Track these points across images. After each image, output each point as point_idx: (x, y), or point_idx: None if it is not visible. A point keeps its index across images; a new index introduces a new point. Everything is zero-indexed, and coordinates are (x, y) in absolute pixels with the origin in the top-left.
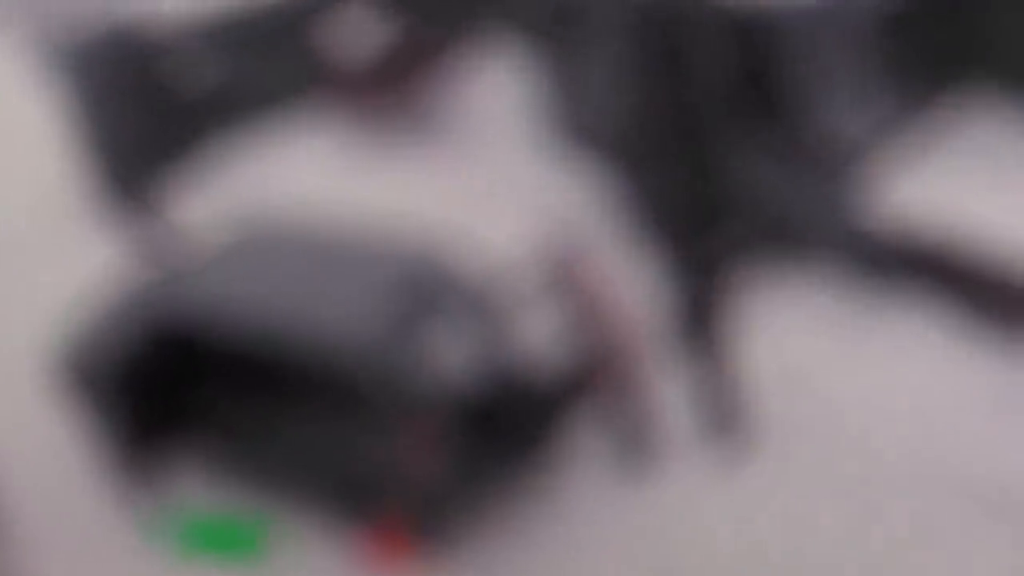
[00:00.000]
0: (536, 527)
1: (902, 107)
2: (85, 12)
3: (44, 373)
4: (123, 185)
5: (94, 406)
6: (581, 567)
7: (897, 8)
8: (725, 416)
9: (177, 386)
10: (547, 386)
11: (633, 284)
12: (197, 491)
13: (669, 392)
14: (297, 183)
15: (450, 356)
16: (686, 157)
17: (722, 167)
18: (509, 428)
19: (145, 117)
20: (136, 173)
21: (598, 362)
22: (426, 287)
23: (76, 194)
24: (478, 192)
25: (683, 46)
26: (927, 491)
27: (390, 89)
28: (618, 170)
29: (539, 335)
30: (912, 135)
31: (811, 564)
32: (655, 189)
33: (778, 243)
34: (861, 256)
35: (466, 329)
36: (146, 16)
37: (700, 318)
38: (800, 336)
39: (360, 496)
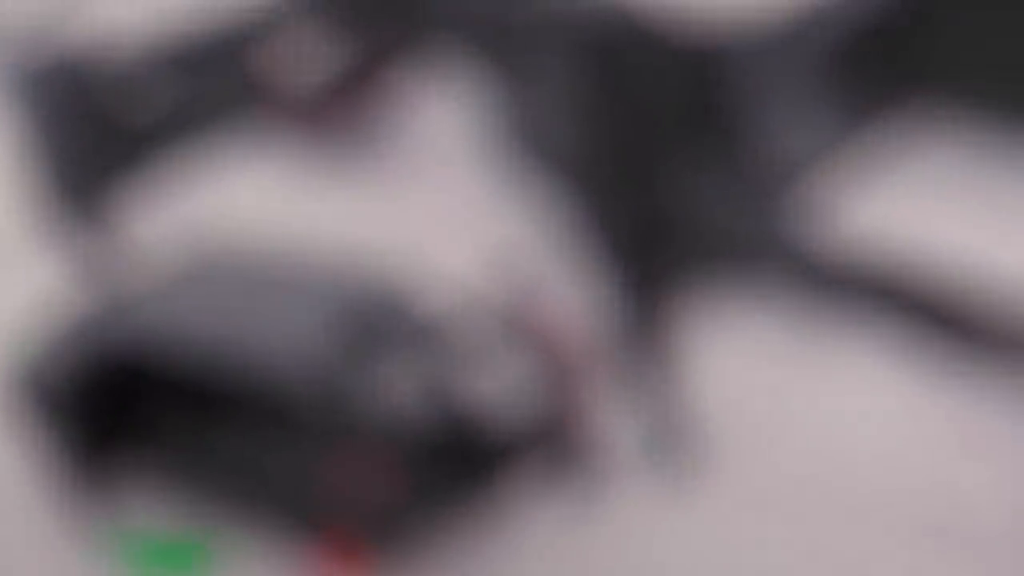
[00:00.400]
0: (486, 552)
1: (847, 129)
2: (36, 37)
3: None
4: (72, 206)
5: (45, 426)
6: None
7: (843, 34)
8: (671, 437)
9: (127, 408)
10: (499, 419)
11: (582, 307)
12: (147, 510)
13: (618, 418)
14: (244, 205)
15: (397, 385)
16: (633, 179)
17: (669, 189)
18: (459, 457)
19: (93, 141)
20: (84, 195)
21: (549, 394)
22: (374, 316)
23: (28, 214)
24: (427, 215)
25: (630, 72)
26: (869, 515)
27: (337, 112)
28: (567, 192)
29: (491, 368)
30: (858, 156)
31: None
32: (603, 210)
33: (724, 263)
34: (806, 276)
35: (415, 359)
36: (94, 43)
37: (646, 337)
38: (745, 358)
39: (303, 516)
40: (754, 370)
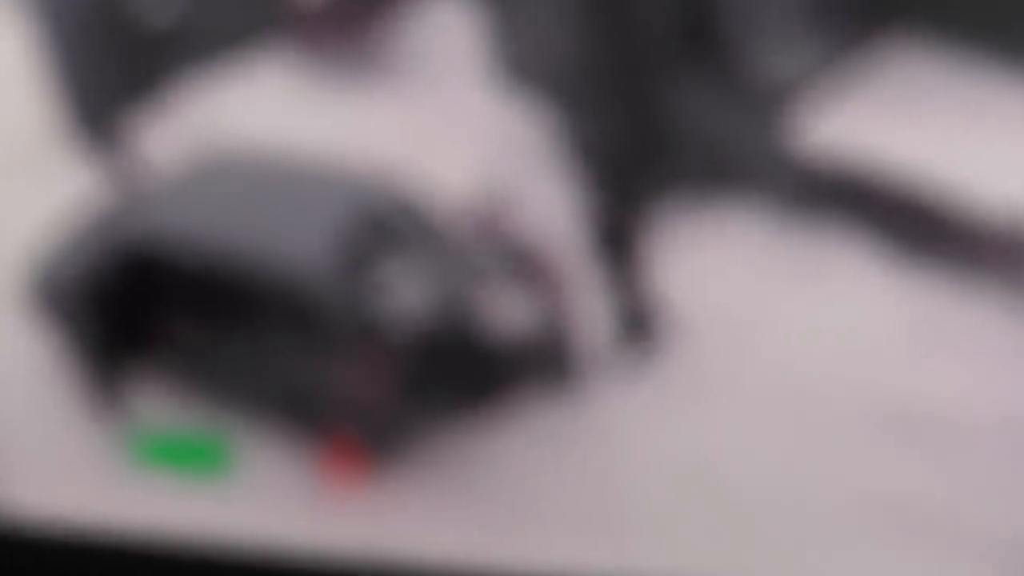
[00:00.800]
0: (481, 449)
1: (831, 49)
2: None
3: (18, 293)
4: (92, 117)
5: (62, 325)
6: (518, 480)
7: None
8: (641, 333)
9: (141, 308)
10: (498, 322)
11: (565, 214)
12: (163, 409)
13: (595, 318)
14: (256, 117)
15: (404, 288)
16: (626, 94)
17: (660, 104)
18: (461, 363)
19: (112, 54)
20: (103, 106)
21: (538, 297)
22: (383, 219)
23: (49, 126)
24: (429, 123)
25: None
26: (838, 408)
27: (345, 29)
28: (561, 105)
29: (489, 272)
30: (841, 75)
31: (723, 473)
32: (597, 123)
33: (713, 175)
34: (791, 187)
35: (420, 262)
36: None
37: (624, 243)
38: (730, 264)
39: (314, 414)
40: (735, 271)
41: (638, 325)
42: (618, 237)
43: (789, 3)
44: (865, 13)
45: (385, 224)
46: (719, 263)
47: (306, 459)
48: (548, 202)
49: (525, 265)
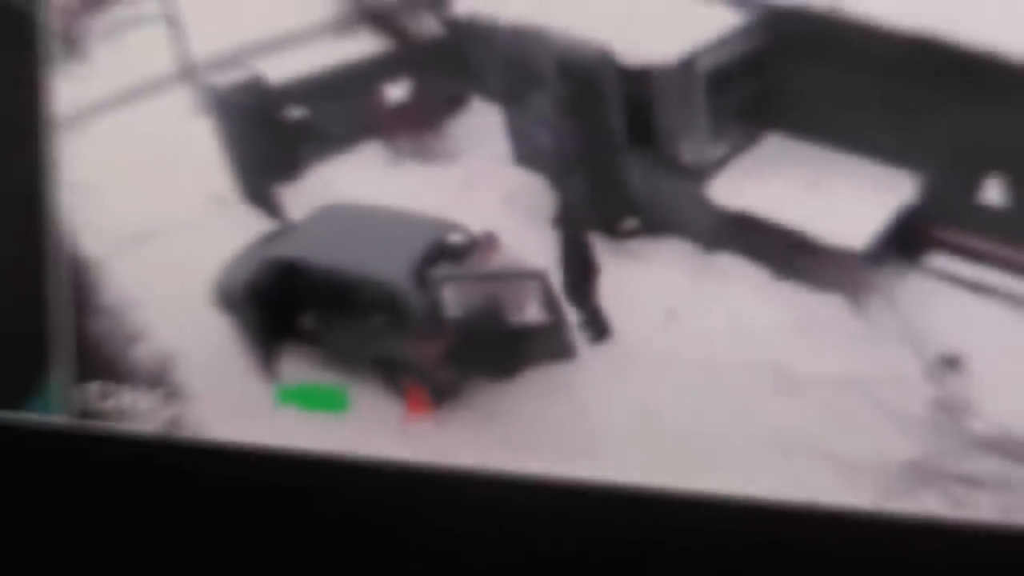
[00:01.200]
0: (502, 396)
1: (731, 143)
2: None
3: (212, 294)
4: (252, 184)
5: (235, 314)
6: (526, 418)
7: (720, 68)
8: (597, 328)
9: (286, 303)
10: (513, 318)
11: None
12: (301, 369)
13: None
14: (358, 181)
15: (450, 290)
16: (597, 170)
17: (622, 177)
18: (490, 342)
19: (264, 140)
20: (259, 177)
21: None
22: (441, 247)
23: (229, 190)
24: (468, 185)
25: (595, 92)
26: (736, 370)
27: (413, 124)
28: (551, 176)
29: (509, 282)
30: (737, 158)
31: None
32: (574, 187)
33: (660, 224)
34: (706, 227)
35: (461, 273)
36: (267, 72)
37: (585, 267)
38: (666, 276)
39: (397, 373)
40: (669, 281)
41: (597, 321)
42: (583, 263)
43: (702, 115)
44: (751, 124)
45: (443, 251)
46: (659, 276)
47: (393, 402)
48: (540, 238)
49: (521, 278)
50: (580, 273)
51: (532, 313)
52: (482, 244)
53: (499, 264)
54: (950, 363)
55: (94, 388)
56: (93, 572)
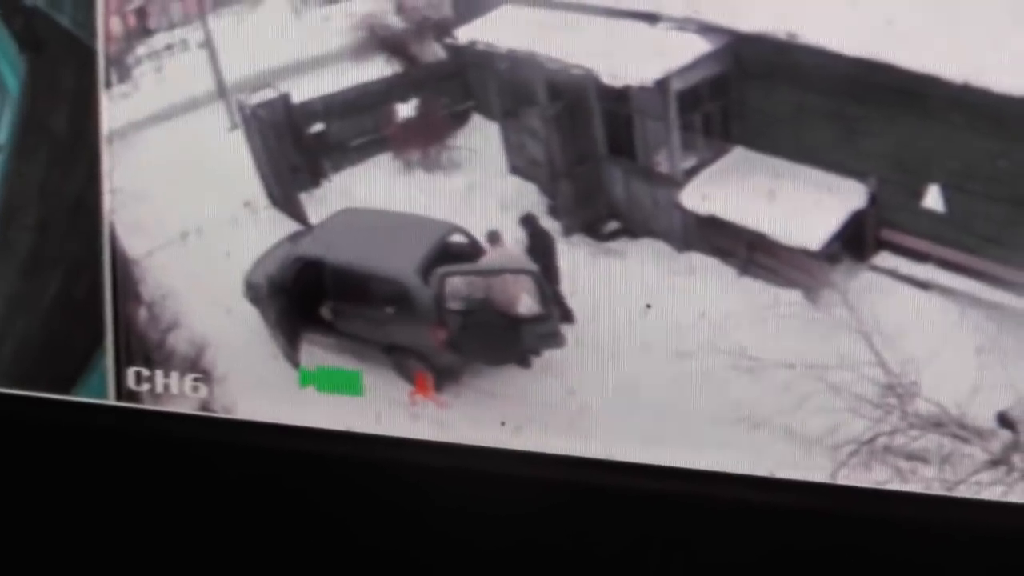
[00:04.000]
0: (499, 378)
1: (702, 154)
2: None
3: (242, 287)
4: (278, 191)
5: (262, 304)
6: (519, 397)
7: (691, 88)
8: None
9: (308, 294)
10: (510, 312)
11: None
12: (324, 355)
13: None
14: (372, 189)
15: (454, 287)
16: (583, 178)
17: (604, 184)
18: (488, 333)
19: (289, 152)
20: (285, 184)
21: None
22: (446, 245)
23: (258, 196)
24: (469, 192)
25: (580, 109)
26: (702, 351)
27: (422, 137)
28: (543, 184)
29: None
30: (706, 167)
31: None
32: (563, 196)
33: (638, 226)
34: (679, 228)
35: (466, 270)
36: (292, 92)
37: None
38: (643, 273)
39: (407, 358)
40: (645, 275)
41: (566, 312)
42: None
43: (675, 130)
44: (718, 138)
45: (447, 250)
46: (636, 272)
47: (402, 384)
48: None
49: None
50: (543, 258)
51: (526, 305)
52: (489, 241)
53: (501, 259)
54: (1005, 422)
55: (133, 373)
56: (135, 535)
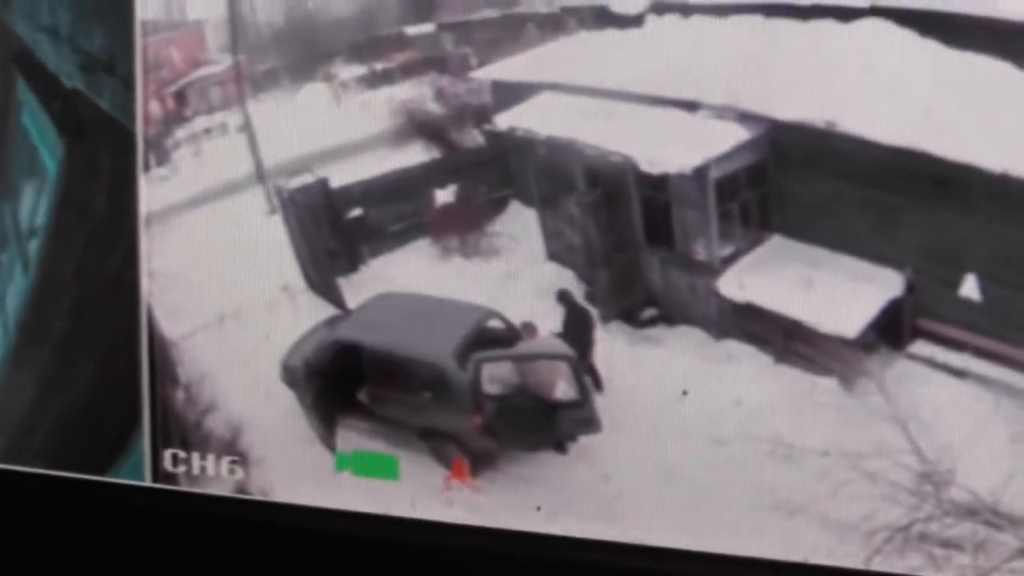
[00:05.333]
0: (534, 465)
1: (737, 243)
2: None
3: (279, 370)
4: (316, 275)
5: (298, 388)
6: (554, 484)
7: (729, 177)
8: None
9: (345, 378)
10: (546, 398)
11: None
12: (358, 438)
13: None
14: (410, 275)
15: (491, 372)
16: (620, 265)
17: (642, 272)
18: (525, 418)
19: (327, 237)
20: (323, 269)
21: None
22: (484, 331)
23: (296, 280)
24: (507, 278)
25: (618, 196)
26: (745, 445)
27: (459, 224)
28: (581, 271)
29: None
30: (743, 256)
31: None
32: (600, 283)
33: (675, 313)
34: (715, 315)
35: (501, 356)
36: (331, 177)
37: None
38: (680, 360)
39: (444, 443)
40: (683, 362)
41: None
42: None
43: (713, 218)
44: (755, 226)
45: (484, 335)
46: (674, 359)
47: (438, 469)
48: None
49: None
50: (579, 332)
51: (562, 390)
52: (524, 332)
53: (538, 345)
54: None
55: (170, 455)
56: None
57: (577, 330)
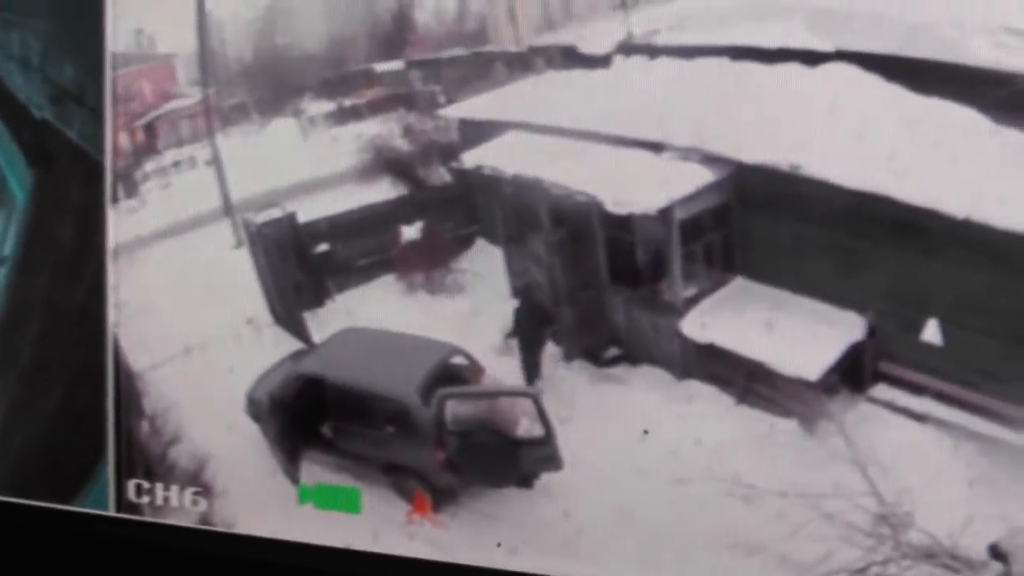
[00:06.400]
0: (494, 500)
1: (701, 284)
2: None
3: (244, 403)
4: (282, 309)
5: (262, 421)
6: (513, 519)
7: (693, 218)
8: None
9: (307, 412)
10: (510, 434)
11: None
12: (320, 472)
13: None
14: (375, 310)
15: (454, 407)
16: (584, 304)
17: (606, 311)
18: (488, 455)
19: (294, 271)
20: (289, 302)
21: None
22: (444, 368)
23: (262, 313)
24: (469, 314)
25: (584, 236)
26: (705, 484)
27: (423, 260)
28: (541, 304)
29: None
30: (706, 296)
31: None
32: (564, 322)
33: (638, 353)
34: (678, 354)
35: (463, 392)
36: (298, 212)
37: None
38: (642, 400)
39: (405, 477)
40: (645, 402)
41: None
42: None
43: (677, 259)
44: (719, 267)
45: (448, 372)
46: (636, 399)
47: (400, 503)
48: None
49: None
50: (533, 326)
51: (525, 428)
52: (473, 370)
53: (500, 385)
54: (997, 554)
55: (134, 485)
56: None
57: (534, 326)
